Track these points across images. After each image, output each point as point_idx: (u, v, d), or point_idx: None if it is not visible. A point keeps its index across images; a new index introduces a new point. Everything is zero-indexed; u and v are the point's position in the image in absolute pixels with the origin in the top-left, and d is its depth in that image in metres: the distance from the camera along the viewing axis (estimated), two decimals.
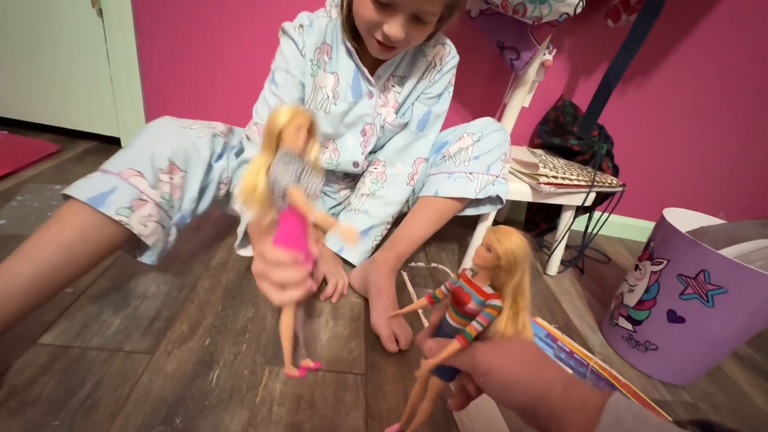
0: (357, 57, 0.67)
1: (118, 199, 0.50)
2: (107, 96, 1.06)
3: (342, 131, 0.74)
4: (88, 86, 1.05)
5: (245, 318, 0.64)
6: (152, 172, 0.53)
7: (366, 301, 0.72)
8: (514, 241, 0.31)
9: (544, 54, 0.88)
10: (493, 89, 1.06)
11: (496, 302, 0.33)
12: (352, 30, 0.65)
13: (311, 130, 0.37)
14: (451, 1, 0.57)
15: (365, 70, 0.68)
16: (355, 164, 0.77)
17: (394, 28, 0.56)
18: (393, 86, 0.73)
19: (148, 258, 0.58)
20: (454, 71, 0.75)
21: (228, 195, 0.68)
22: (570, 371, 0.64)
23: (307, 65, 0.67)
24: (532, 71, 0.89)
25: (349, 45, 0.66)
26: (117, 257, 0.70)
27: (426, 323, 0.70)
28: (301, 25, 0.66)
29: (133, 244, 0.57)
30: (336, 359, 0.60)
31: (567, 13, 0.69)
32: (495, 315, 0.33)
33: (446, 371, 0.39)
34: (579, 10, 0.68)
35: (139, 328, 0.58)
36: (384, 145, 0.79)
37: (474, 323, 0.33)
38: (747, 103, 1.09)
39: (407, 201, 0.81)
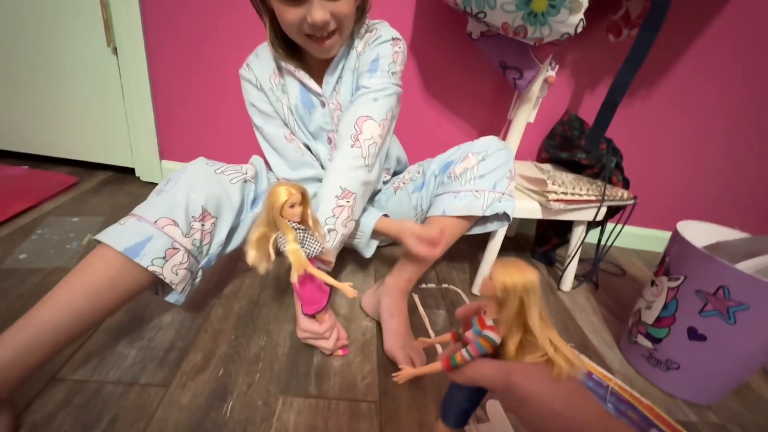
0: (301, 72, 0.71)
1: (153, 249, 0.51)
2: (122, 129, 1.10)
3: (313, 143, 0.78)
4: (104, 120, 1.10)
5: (258, 346, 0.64)
6: (186, 220, 0.55)
7: (378, 324, 0.71)
8: (513, 274, 0.31)
9: (547, 71, 0.88)
10: (498, 106, 1.07)
11: (490, 334, 0.32)
12: (284, 48, 0.69)
13: (304, 201, 0.49)
14: None
15: (310, 83, 0.71)
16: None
17: (315, 12, 0.58)
18: (340, 88, 0.74)
19: (173, 298, 0.59)
20: (385, 46, 0.70)
21: None
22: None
23: (268, 94, 0.72)
24: (536, 88, 0.90)
25: (287, 66, 0.70)
26: None
27: (439, 349, 0.69)
28: (248, 64, 0.73)
29: (160, 286, 0.59)
30: (349, 387, 0.59)
31: (568, 33, 0.69)
32: (486, 347, 0.33)
33: (458, 400, 0.38)
34: (580, 29, 0.69)
35: (154, 359, 0.59)
36: None
37: (463, 351, 0.33)
38: (761, 111, 1.07)
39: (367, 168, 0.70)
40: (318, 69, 0.72)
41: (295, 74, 0.71)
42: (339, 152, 0.67)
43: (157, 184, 1.12)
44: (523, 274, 0.31)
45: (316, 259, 0.56)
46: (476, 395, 0.39)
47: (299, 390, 0.57)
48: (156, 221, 0.53)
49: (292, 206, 0.48)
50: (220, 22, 0.97)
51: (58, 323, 0.47)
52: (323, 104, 0.74)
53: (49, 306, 0.47)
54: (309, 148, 0.79)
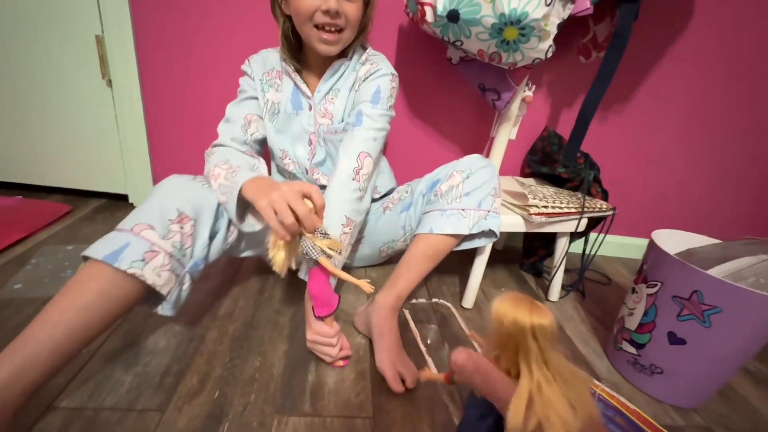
0: (297, 75, 0.78)
1: (132, 253, 0.53)
2: (116, 157, 1.12)
3: (293, 143, 0.83)
4: (98, 149, 1.12)
5: (253, 367, 0.65)
6: (162, 223, 0.56)
7: (370, 341, 0.73)
8: (508, 306, 0.32)
9: (524, 91, 0.93)
10: (480, 125, 1.11)
11: None
12: (291, 49, 0.77)
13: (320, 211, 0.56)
14: None
15: (302, 86, 0.79)
16: (305, 171, 0.85)
17: (329, 1, 0.65)
18: (331, 99, 0.80)
19: (165, 310, 0.60)
20: (385, 80, 0.77)
21: (239, 239, 0.72)
22: None
23: (257, 84, 0.79)
24: (515, 107, 0.95)
25: (287, 66, 0.78)
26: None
27: (431, 362, 0.71)
28: (248, 60, 0.81)
29: (151, 298, 0.60)
30: (344, 404, 0.60)
31: (539, 58, 0.74)
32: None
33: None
34: (550, 54, 0.74)
35: (150, 384, 0.60)
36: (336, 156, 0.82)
37: None
38: (728, 122, 1.14)
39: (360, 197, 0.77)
40: (313, 77, 0.80)
41: (292, 75, 0.78)
42: (340, 182, 0.72)
43: None
44: (514, 308, 0.32)
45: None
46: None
47: (295, 409, 0.58)
48: (132, 228, 0.55)
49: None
50: (210, 55, 1.01)
51: (52, 340, 0.48)
52: (310, 107, 0.80)
53: (41, 325, 0.48)
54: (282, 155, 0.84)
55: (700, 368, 0.66)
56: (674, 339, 0.66)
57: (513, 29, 0.69)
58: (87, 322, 0.50)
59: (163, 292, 0.57)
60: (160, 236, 0.56)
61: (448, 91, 1.07)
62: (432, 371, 0.68)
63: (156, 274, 0.55)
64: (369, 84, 0.77)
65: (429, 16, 0.74)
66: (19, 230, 0.94)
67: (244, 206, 0.65)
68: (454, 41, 0.77)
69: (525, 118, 1.03)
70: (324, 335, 0.65)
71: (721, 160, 1.19)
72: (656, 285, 0.68)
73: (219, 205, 0.65)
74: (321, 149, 0.83)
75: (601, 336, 0.87)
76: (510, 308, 0.32)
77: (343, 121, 0.80)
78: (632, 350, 0.72)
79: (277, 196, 0.55)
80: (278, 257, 0.56)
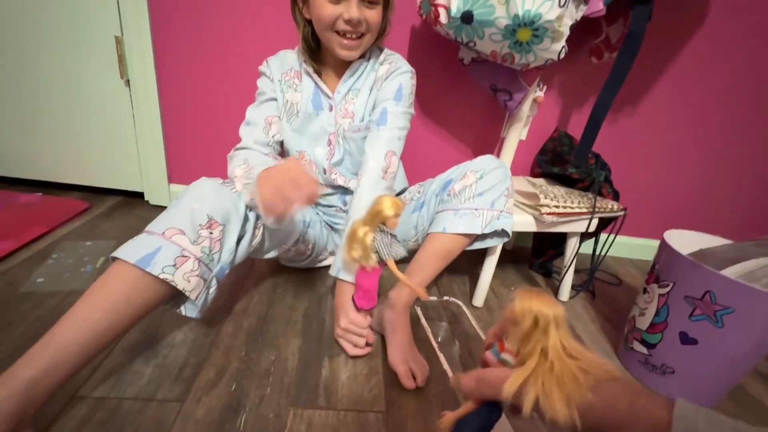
0: (317, 76, 0.80)
1: (163, 258, 0.54)
2: (133, 155, 1.15)
3: (312, 143, 0.84)
4: (116, 147, 1.15)
5: (268, 361, 0.67)
6: (192, 228, 0.57)
7: (383, 337, 0.74)
8: (531, 300, 0.33)
9: (536, 92, 0.94)
10: (491, 124, 1.12)
11: (505, 356, 0.35)
12: (310, 51, 0.78)
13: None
14: None
15: (323, 86, 0.80)
16: (323, 171, 0.86)
17: (351, 9, 0.68)
18: (352, 99, 0.81)
19: (191, 311, 0.61)
20: (405, 77, 0.80)
21: (262, 242, 0.73)
22: None
23: (276, 85, 0.80)
24: (526, 108, 0.95)
25: (308, 67, 0.79)
26: None
27: (443, 358, 0.72)
28: (267, 61, 0.82)
29: (176, 299, 0.61)
30: (357, 398, 0.62)
31: (552, 59, 0.75)
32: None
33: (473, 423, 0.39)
34: (563, 55, 0.74)
35: (170, 376, 0.61)
36: (356, 153, 0.84)
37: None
38: (740, 122, 1.13)
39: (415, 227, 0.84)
40: (332, 77, 0.82)
41: (312, 76, 0.80)
42: (370, 181, 0.76)
43: (165, 207, 1.17)
44: (540, 302, 0.33)
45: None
46: (490, 417, 0.39)
47: (309, 402, 0.60)
48: (163, 232, 0.56)
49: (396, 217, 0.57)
50: (226, 55, 1.03)
51: (79, 341, 0.49)
52: (330, 108, 0.81)
53: (70, 324, 0.50)
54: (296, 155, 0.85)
55: (712, 368, 0.66)
56: (686, 339, 0.66)
57: (526, 30, 0.70)
58: (113, 323, 0.52)
59: (192, 297, 0.58)
60: (191, 241, 0.57)
61: (459, 91, 1.08)
62: (444, 366, 0.69)
63: (186, 280, 0.56)
64: (391, 82, 0.79)
65: (443, 18, 0.75)
66: (40, 226, 0.97)
67: None
68: (467, 42, 0.78)
69: (535, 119, 1.04)
70: (358, 325, 0.69)
71: (734, 161, 1.19)
72: (668, 285, 0.68)
73: (246, 210, 0.66)
74: (339, 149, 0.84)
75: (611, 336, 0.87)
76: (538, 303, 0.33)
77: (363, 119, 0.82)
78: (643, 350, 0.72)
79: (273, 179, 0.58)
80: (361, 252, 0.58)
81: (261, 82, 0.81)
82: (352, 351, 0.69)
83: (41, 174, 1.19)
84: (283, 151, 0.87)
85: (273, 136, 0.80)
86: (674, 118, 1.13)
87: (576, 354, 0.33)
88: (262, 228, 0.72)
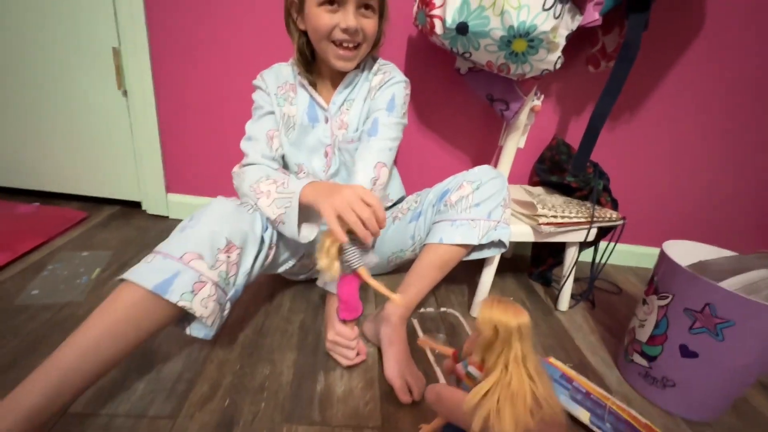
0: (312, 88, 0.79)
1: (182, 284, 0.52)
2: (130, 165, 1.15)
3: (309, 156, 0.83)
4: (113, 157, 1.15)
5: (262, 375, 0.66)
6: (211, 252, 0.56)
7: (379, 350, 0.73)
8: (493, 309, 0.33)
9: (533, 100, 0.94)
10: (489, 134, 1.12)
11: (471, 369, 0.35)
12: (305, 63, 0.78)
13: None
14: None
15: (318, 98, 0.79)
16: None
17: (348, 18, 0.67)
18: (346, 110, 0.81)
19: (201, 333, 0.59)
20: (398, 87, 0.79)
21: (274, 260, 0.73)
22: (588, 414, 0.63)
23: (273, 99, 0.79)
24: (523, 117, 0.95)
25: (302, 80, 0.79)
26: None
27: (439, 373, 0.71)
28: (261, 75, 0.81)
29: (184, 320, 0.60)
30: (352, 413, 0.61)
31: (548, 69, 0.75)
32: (468, 383, 0.35)
33: None
34: (558, 65, 0.74)
35: (163, 391, 0.61)
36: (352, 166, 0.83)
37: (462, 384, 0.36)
38: (740, 131, 1.12)
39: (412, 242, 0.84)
40: (326, 89, 0.81)
41: (307, 88, 0.79)
42: None
43: (163, 216, 1.16)
44: (502, 311, 0.32)
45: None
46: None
47: (303, 418, 0.59)
48: (181, 256, 0.54)
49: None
50: (223, 66, 1.04)
51: (83, 367, 0.48)
52: (326, 120, 0.80)
53: (74, 349, 0.49)
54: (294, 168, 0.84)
55: (714, 381, 0.65)
56: (686, 352, 0.65)
57: (522, 41, 0.69)
58: (120, 349, 0.51)
59: (208, 322, 0.57)
60: (209, 266, 0.56)
61: (456, 101, 1.08)
62: (441, 380, 0.68)
63: (203, 306, 0.55)
64: (384, 92, 0.79)
65: (438, 29, 0.75)
66: (37, 237, 0.96)
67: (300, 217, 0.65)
68: (462, 53, 0.78)
69: (533, 127, 1.03)
70: (345, 337, 0.67)
71: (735, 170, 1.18)
72: (668, 297, 0.67)
73: (262, 232, 0.66)
74: (336, 160, 0.83)
75: (611, 346, 0.86)
76: (499, 312, 0.33)
77: (357, 130, 0.81)
78: (643, 362, 0.71)
79: (339, 201, 0.57)
80: (326, 262, 0.58)
81: (257, 96, 0.81)
82: (344, 362, 0.69)
83: (39, 184, 1.19)
84: (284, 165, 0.86)
85: (276, 150, 0.79)
86: (673, 126, 1.12)
87: (535, 375, 0.33)
88: (275, 249, 0.72)
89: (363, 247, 0.59)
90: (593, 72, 0.96)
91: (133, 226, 1.12)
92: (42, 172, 1.17)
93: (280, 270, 0.80)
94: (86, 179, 1.19)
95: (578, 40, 0.89)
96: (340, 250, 0.58)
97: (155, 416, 0.56)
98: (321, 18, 0.68)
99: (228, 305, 0.62)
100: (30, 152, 1.14)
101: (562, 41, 0.71)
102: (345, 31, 0.68)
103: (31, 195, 1.20)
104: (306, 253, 0.82)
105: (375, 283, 0.58)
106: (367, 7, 0.69)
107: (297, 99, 0.80)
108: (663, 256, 0.70)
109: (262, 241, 0.67)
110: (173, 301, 0.52)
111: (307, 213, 0.65)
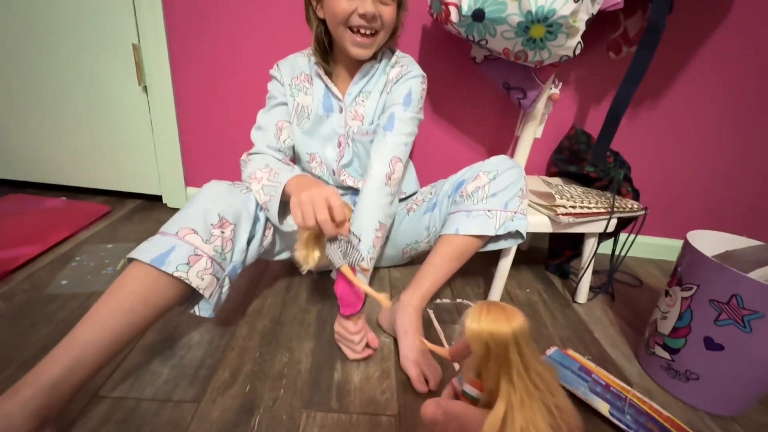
0: (327, 78, 0.79)
1: (177, 256, 0.55)
2: (151, 160, 1.18)
3: (322, 145, 0.84)
4: (135, 152, 1.18)
5: (281, 363, 0.67)
6: (204, 227, 0.59)
7: (395, 340, 0.74)
8: (481, 318, 0.30)
9: (551, 89, 0.92)
10: (504, 123, 1.10)
11: (467, 388, 0.33)
12: (323, 52, 0.78)
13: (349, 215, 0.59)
14: None
15: (334, 88, 0.80)
16: (333, 172, 0.86)
17: (367, 4, 0.66)
18: (362, 101, 0.81)
19: (205, 311, 0.62)
20: (415, 82, 0.79)
21: (273, 243, 0.75)
22: (607, 406, 0.62)
23: (287, 89, 0.80)
24: (541, 105, 0.93)
25: (319, 69, 0.79)
26: None
27: (456, 365, 0.71)
28: (278, 65, 0.82)
29: (189, 300, 0.62)
30: (369, 401, 0.61)
31: (567, 56, 0.73)
32: (464, 402, 0.33)
33: None
34: (578, 51, 0.72)
35: (186, 377, 0.63)
36: (364, 157, 0.84)
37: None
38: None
39: (392, 203, 0.79)
40: (343, 79, 0.81)
41: (323, 78, 0.79)
42: (373, 187, 0.74)
43: None
44: (492, 320, 0.29)
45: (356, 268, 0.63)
46: None
47: (321, 405, 0.60)
48: (177, 232, 0.57)
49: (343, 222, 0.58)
50: (241, 62, 1.05)
51: (100, 341, 0.51)
52: (341, 110, 0.81)
53: (90, 325, 0.51)
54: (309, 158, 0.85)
55: (740, 375, 0.63)
56: (711, 344, 0.63)
57: (540, 27, 0.68)
58: (132, 323, 0.53)
59: (206, 294, 0.59)
60: (203, 240, 0.58)
61: (471, 90, 1.06)
62: (455, 367, 0.68)
63: (199, 278, 0.57)
64: (400, 86, 0.79)
65: (453, 16, 0.74)
66: (64, 230, 1.00)
67: (284, 206, 0.67)
68: (478, 40, 0.77)
69: (551, 116, 1.01)
70: (347, 331, 0.67)
71: (762, 157, 1.13)
72: (692, 288, 0.65)
73: (256, 210, 0.67)
74: (349, 150, 0.84)
75: (632, 339, 0.84)
76: (486, 322, 0.29)
77: (373, 122, 0.81)
78: (666, 355, 0.70)
79: (305, 197, 0.57)
80: (303, 254, 0.60)
81: (271, 86, 0.82)
82: (350, 356, 0.69)
83: (66, 179, 1.24)
84: (294, 156, 0.87)
85: (284, 141, 0.80)
86: (697, 113, 1.08)
87: (541, 383, 0.30)
88: (272, 229, 0.73)
89: (348, 244, 0.60)
90: (614, 58, 0.93)
91: (154, 219, 1.15)
92: (68, 167, 1.22)
93: (286, 256, 0.81)
94: (109, 174, 1.22)
95: (598, 24, 0.87)
96: (323, 245, 0.60)
97: (179, 400, 0.58)
98: (339, 3, 0.68)
99: (227, 281, 0.63)
100: (57, 149, 1.19)
101: (582, 26, 0.69)
102: (363, 16, 0.68)
103: (58, 190, 1.25)
104: None
105: (359, 283, 0.60)
106: None
107: (312, 89, 0.81)
108: (687, 246, 0.68)
109: (257, 219, 0.68)
110: (169, 272, 0.54)
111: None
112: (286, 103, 0.81)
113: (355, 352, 0.68)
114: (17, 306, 0.74)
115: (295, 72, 0.81)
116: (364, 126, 0.81)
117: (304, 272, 0.63)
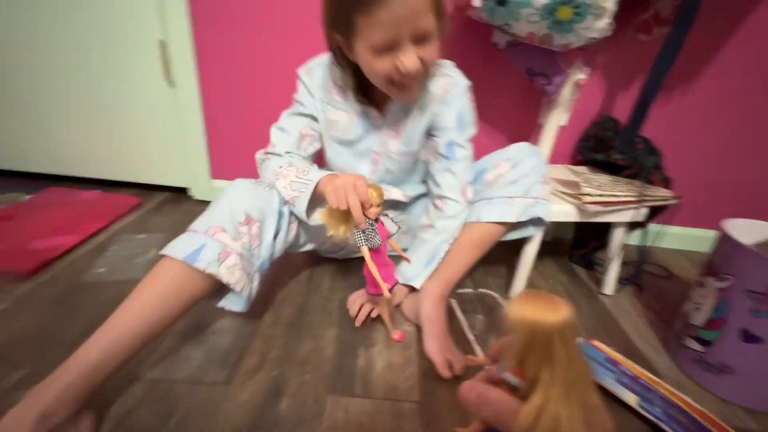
0: (365, 107, 0.74)
1: (208, 254, 0.57)
2: (179, 153, 1.22)
3: (356, 159, 0.81)
4: (163, 146, 1.22)
5: (306, 349, 0.69)
6: (232, 225, 0.61)
7: (418, 329, 0.74)
8: (525, 307, 0.29)
9: (577, 74, 0.89)
10: (527, 111, 1.08)
11: (507, 376, 0.32)
12: (358, 81, 0.70)
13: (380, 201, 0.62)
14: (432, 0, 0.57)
15: (371, 111, 0.74)
16: None
17: (408, 61, 0.58)
18: (402, 119, 0.75)
19: (236, 305, 0.63)
20: (465, 100, 0.77)
21: (297, 236, 0.76)
22: (636, 397, 0.61)
23: (317, 103, 0.75)
24: (566, 92, 0.90)
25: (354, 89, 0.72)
26: None
27: (479, 351, 0.71)
28: (310, 69, 0.76)
29: (217, 293, 0.64)
30: (392, 388, 0.62)
31: (595, 38, 0.70)
32: (502, 390, 0.33)
33: None
34: (608, 33, 0.70)
35: (216, 361, 0.65)
36: (397, 172, 0.82)
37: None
38: None
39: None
40: (380, 93, 0.70)
41: (360, 99, 0.73)
42: (452, 226, 0.77)
43: (209, 201, 1.22)
44: (537, 309, 0.28)
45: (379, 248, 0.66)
46: None
47: (346, 390, 0.61)
48: (206, 230, 0.59)
49: (376, 206, 0.61)
50: (266, 58, 1.06)
51: (135, 329, 0.53)
52: (378, 127, 0.77)
53: (126, 314, 0.54)
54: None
55: None
56: (748, 337, 0.61)
57: (567, 8, 0.66)
58: (165, 313, 0.56)
59: (237, 289, 0.61)
60: (232, 238, 0.60)
61: (493, 77, 1.04)
62: (479, 356, 0.68)
63: (230, 273, 0.59)
64: (450, 108, 0.75)
65: (476, 2, 0.72)
66: (99, 221, 1.05)
67: (311, 203, 0.67)
68: (502, 25, 0.75)
69: (577, 103, 0.98)
70: (350, 301, 0.77)
71: None
72: (728, 279, 0.63)
73: (279, 206, 0.68)
74: (384, 168, 0.81)
75: (660, 331, 0.82)
76: (533, 311, 0.28)
77: (413, 142, 0.78)
78: (698, 347, 0.68)
79: (339, 183, 0.60)
80: (331, 223, 0.63)
81: (301, 92, 0.76)
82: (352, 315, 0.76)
83: (100, 172, 1.29)
84: (323, 163, 0.85)
85: (305, 149, 0.76)
86: (733, 97, 1.02)
87: (580, 376, 0.29)
88: (296, 223, 0.74)
89: (372, 227, 0.63)
90: (644, 40, 0.89)
91: (182, 211, 1.19)
92: (102, 161, 1.27)
93: (310, 247, 0.82)
94: (140, 167, 1.27)
95: (627, 4, 0.83)
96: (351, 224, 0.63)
97: (211, 383, 0.61)
98: (374, 64, 0.60)
99: (257, 276, 0.65)
100: (91, 143, 1.24)
101: (611, 6, 0.66)
102: (407, 75, 0.60)
103: (93, 183, 1.30)
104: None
105: (373, 269, 0.63)
106: (424, 36, 0.58)
107: (346, 104, 0.75)
108: (723, 235, 0.66)
109: (282, 214, 0.69)
110: (201, 268, 0.56)
111: (319, 200, 0.67)
112: (312, 116, 0.77)
113: (353, 316, 0.75)
114: (60, 293, 0.79)
115: (328, 83, 0.74)
116: (403, 146, 0.78)
117: (337, 238, 0.64)
